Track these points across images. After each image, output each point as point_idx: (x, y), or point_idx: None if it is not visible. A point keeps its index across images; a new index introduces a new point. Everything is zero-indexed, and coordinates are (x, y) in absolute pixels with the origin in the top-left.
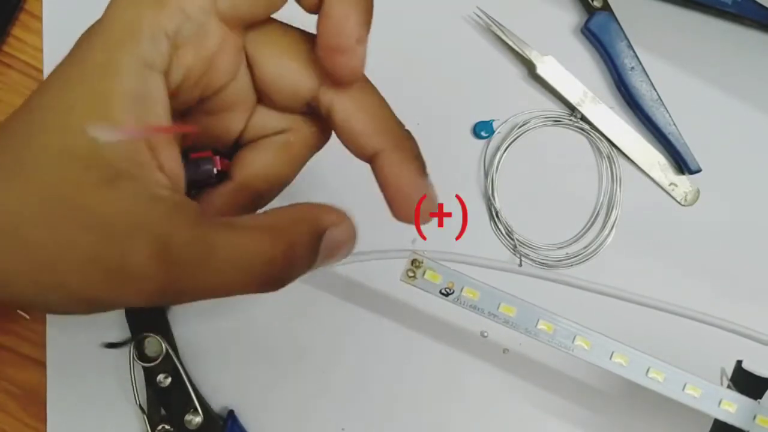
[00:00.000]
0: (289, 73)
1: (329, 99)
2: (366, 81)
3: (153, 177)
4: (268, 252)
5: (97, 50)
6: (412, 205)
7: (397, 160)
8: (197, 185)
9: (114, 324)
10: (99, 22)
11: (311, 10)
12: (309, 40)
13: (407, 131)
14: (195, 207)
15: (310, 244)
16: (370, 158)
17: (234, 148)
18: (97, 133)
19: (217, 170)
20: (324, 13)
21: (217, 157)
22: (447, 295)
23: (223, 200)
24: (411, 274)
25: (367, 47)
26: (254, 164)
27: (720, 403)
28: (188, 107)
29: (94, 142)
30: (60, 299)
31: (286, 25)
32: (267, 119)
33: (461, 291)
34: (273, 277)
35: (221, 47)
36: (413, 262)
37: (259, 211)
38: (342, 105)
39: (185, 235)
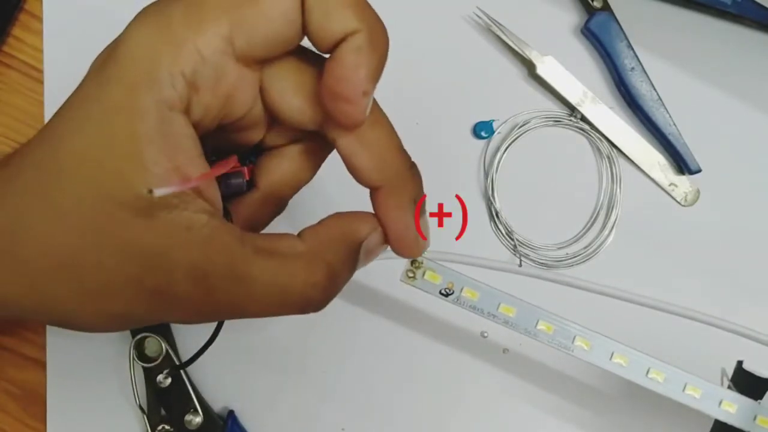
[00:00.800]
0: (295, 109)
1: (334, 134)
2: (376, 111)
3: (191, 205)
4: (308, 279)
5: (115, 91)
6: (402, 242)
7: (393, 204)
8: (228, 197)
9: None
10: (113, 58)
11: (326, 52)
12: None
13: (411, 166)
14: (233, 232)
15: (349, 261)
16: (370, 190)
17: (253, 148)
18: (155, 192)
19: (247, 181)
20: (335, 57)
21: (245, 168)
22: (447, 295)
23: (251, 210)
24: (411, 275)
25: (372, 98)
26: (278, 172)
27: (720, 403)
28: (207, 132)
29: (142, 194)
30: (105, 322)
31: (305, 55)
32: (284, 131)
33: (461, 291)
34: (315, 299)
35: (238, 84)
36: (413, 262)
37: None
38: (345, 141)
39: (223, 265)
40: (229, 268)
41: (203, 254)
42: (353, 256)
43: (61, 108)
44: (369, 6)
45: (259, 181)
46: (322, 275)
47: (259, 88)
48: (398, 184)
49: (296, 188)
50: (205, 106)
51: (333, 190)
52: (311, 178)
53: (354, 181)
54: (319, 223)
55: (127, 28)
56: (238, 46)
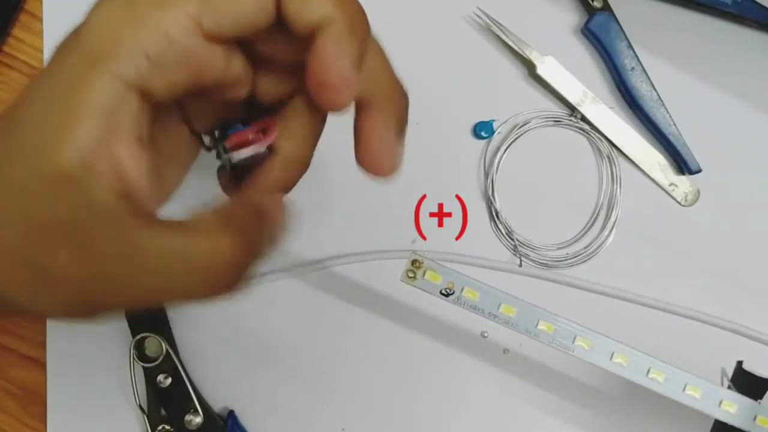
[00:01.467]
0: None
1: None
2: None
3: (102, 182)
4: (214, 247)
5: (71, 66)
6: (379, 160)
7: (379, 120)
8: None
9: (114, 325)
10: (76, 34)
11: (304, 38)
12: None
13: (402, 87)
14: (130, 209)
15: (269, 238)
16: (356, 106)
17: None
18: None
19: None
20: (315, 48)
21: (261, 134)
22: (447, 295)
23: (276, 174)
24: (411, 275)
25: (358, 83)
26: (290, 131)
27: (720, 403)
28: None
29: (61, 165)
30: None
31: None
32: (274, 79)
33: (461, 291)
34: (224, 272)
35: (209, 59)
36: (413, 262)
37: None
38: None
39: (111, 237)
40: (119, 238)
41: (92, 229)
42: (273, 236)
43: (28, 84)
44: None
45: (275, 147)
46: (232, 242)
47: (235, 51)
48: (387, 102)
49: (313, 144)
50: (171, 83)
51: (334, 196)
52: (322, 127)
53: (354, 186)
54: (234, 201)
55: (93, 6)
56: (206, 27)
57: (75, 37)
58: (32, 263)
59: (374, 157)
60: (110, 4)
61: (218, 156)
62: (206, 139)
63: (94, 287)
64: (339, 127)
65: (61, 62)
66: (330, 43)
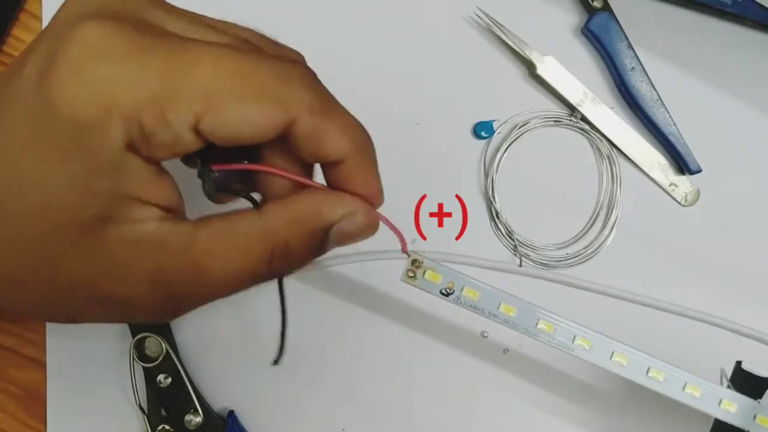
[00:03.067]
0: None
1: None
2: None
3: (137, 214)
4: (260, 257)
5: (64, 123)
6: (376, 202)
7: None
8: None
9: (114, 325)
10: (60, 71)
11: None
12: None
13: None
14: (184, 230)
15: (310, 244)
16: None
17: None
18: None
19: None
20: (338, 175)
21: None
22: (447, 295)
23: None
24: (411, 275)
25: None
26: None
27: (720, 402)
28: None
29: (85, 218)
30: (65, 321)
31: None
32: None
33: (461, 291)
34: (263, 276)
35: (196, 144)
36: (413, 262)
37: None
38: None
39: (178, 266)
40: (185, 266)
41: (157, 261)
42: (317, 239)
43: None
44: (354, 124)
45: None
46: (273, 254)
47: None
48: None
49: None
50: (152, 151)
51: None
52: None
53: None
54: (289, 197)
55: (76, 26)
56: (203, 127)
57: (60, 76)
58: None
59: (367, 199)
60: (108, 44)
61: (199, 175)
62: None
63: (166, 306)
64: None
65: (50, 111)
66: (353, 174)
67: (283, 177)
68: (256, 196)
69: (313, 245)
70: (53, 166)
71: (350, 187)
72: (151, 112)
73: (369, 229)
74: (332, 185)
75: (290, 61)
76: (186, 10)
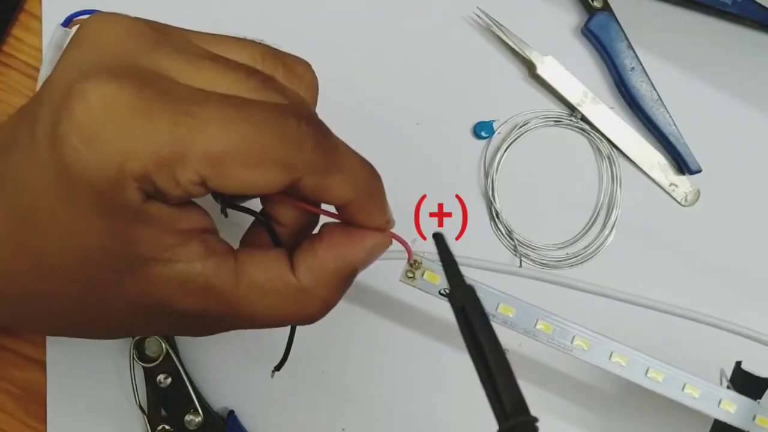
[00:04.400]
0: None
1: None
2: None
3: (183, 254)
4: (302, 312)
5: (82, 190)
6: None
7: (375, 210)
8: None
9: None
10: (73, 130)
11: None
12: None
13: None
14: (227, 273)
15: (344, 287)
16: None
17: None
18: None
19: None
20: (346, 216)
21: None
22: (446, 295)
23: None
24: (410, 275)
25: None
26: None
27: (719, 403)
28: None
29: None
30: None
31: None
32: None
33: None
34: (307, 322)
35: (204, 194)
36: (413, 263)
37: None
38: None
39: (221, 309)
40: (227, 310)
41: (201, 303)
42: (349, 282)
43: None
44: (357, 171)
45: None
46: (316, 309)
47: None
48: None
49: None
50: (168, 198)
51: None
52: None
53: None
54: (314, 252)
55: (79, 87)
56: (210, 185)
57: (73, 137)
58: (198, 321)
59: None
60: (121, 111)
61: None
62: None
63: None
64: (340, 128)
65: (67, 174)
66: (360, 214)
67: (296, 206)
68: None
69: (345, 287)
70: (81, 222)
71: (360, 222)
72: (161, 174)
73: (384, 250)
74: (343, 219)
75: (296, 114)
76: (188, 43)
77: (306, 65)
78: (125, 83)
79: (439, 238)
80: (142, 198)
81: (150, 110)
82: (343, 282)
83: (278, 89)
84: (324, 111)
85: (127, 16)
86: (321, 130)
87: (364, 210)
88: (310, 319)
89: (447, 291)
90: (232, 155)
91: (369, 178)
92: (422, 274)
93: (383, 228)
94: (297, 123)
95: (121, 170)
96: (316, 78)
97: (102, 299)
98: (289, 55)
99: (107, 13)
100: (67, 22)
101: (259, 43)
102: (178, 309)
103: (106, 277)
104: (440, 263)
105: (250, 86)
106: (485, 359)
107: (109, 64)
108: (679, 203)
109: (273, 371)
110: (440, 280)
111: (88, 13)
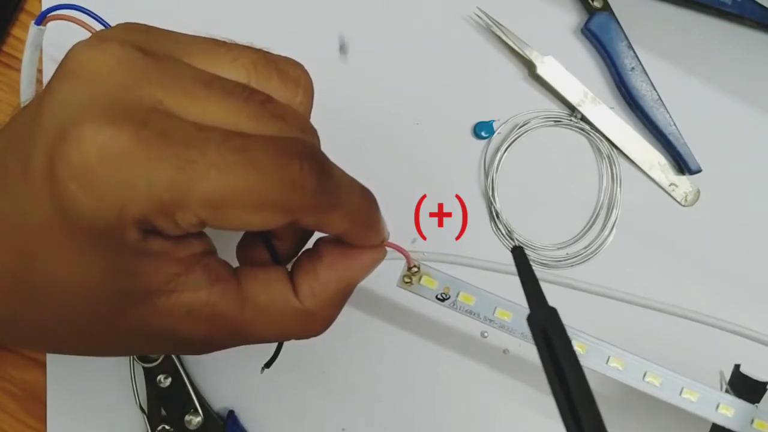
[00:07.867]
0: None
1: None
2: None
3: (187, 284)
4: (306, 332)
5: (83, 230)
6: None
7: (371, 239)
8: None
9: None
10: (70, 165)
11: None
12: None
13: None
14: (232, 299)
15: (341, 306)
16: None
17: None
18: None
19: None
20: (352, 245)
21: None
22: (443, 300)
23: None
24: (407, 280)
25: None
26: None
27: (717, 407)
28: None
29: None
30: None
31: None
32: None
33: (457, 296)
34: (310, 337)
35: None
36: (410, 267)
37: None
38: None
39: (227, 334)
40: (232, 333)
41: (207, 330)
42: (348, 296)
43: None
44: (355, 203)
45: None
46: (320, 327)
47: None
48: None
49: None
50: (167, 235)
51: None
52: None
53: None
54: (315, 274)
55: (74, 129)
56: (210, 225)
57: (73, 172)
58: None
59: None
60: (121, 150)
61: None
62: None
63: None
64: (340, 128)
65: (70, 210)
66: (357, 239)
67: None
68: None
69: (345, 302)
70: (81, 259)
71: (357, 245)
72: (161, 218)
73: (381, 262)
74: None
75: (298, 153)
76: (180, 66)
77: (299, 67)
78: (122, 127)
79: (519, 255)
80: (141, 236)
81: (149, 156)
82: (344, 299)
83: (277, 113)
84: (324, 112)
85: (114, 43)
86: (323, 168)
87: (362, 237)
88: (314, 335)
89: (528, 314)
90: (233, 200)
91: (367, 209)
92: (419, 279)
93: (379, 245)
94: (299, 165)
95: (121, 216)
96: (310, 79)
97: (106, 328)
98: (281, 58)
99: (94, 41)
100: (40, 20)
101: (250, 49)
102: (184, 336)
103: (110, 309)
104: (519, 280)
105: (248, 113)
106: (566, 385)
107: (104, 104)
108: (679, 203)
109: (262, 368)
110: (437, 284)
111: (63, 8)
